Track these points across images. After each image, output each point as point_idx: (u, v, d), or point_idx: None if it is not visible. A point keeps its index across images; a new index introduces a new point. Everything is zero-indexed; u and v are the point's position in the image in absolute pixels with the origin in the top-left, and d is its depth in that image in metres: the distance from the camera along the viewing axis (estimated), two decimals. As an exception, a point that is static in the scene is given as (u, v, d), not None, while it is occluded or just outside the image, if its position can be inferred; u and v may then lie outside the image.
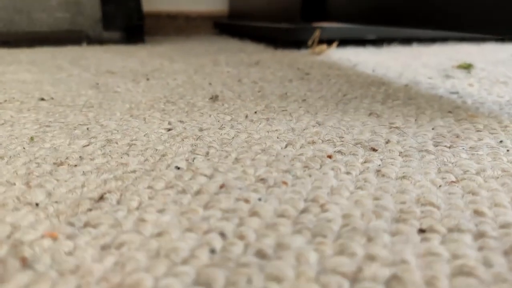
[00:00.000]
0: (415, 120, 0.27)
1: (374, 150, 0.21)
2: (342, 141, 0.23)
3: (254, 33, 0.81)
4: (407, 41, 0.75)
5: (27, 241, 0.13)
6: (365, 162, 0.20)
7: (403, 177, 0.18)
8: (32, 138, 0.22)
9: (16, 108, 0.29)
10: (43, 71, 0.44)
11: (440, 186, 0.17)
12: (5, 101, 0.31)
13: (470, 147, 0.22)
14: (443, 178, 0.18)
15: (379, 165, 0.20)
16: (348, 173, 0.19)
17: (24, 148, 0.21)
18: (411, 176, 0.18)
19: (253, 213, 0.15)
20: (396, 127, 0.25)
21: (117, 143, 0.22)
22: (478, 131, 0.25)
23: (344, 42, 0.72)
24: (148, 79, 0.40)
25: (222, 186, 0.17)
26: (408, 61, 0.54)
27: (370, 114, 0.28)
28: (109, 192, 0.17)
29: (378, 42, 0.74)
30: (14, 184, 0.17)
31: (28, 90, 0.35)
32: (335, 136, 0.24)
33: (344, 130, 0.25)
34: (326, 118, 0.27)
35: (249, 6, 0.94)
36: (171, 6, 1.00)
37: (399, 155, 0.21)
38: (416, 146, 0.22)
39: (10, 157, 0.20)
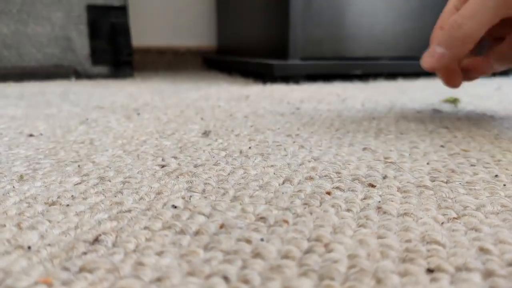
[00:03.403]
0: (409, 154, 0.27)
1: (372, 186, 0.21)
2: (340, 177, 0.23)
3: (242, 68, 0.83)
4: (392, 76, 0.77)
5: (18, 289, 0.12)
6: (364, 198, 0.20)
7: (405, 214, 0.18)
8: (21, 176, 0.22)
9: (4, 144, 0.28)
10: (32, 106, 0.44)
11: (442, 223, 0.17)
12: (-7, 137, 0.30)
13: (467, 182, 0.22)
14: (444, 215, 0.18)
15: (379, 201, 0.19)
16: (349, 210, 0.18)
17: (13, 186, 0.20)
18: (413, 213, 0.18)
19: (256, 255, 0.15)
20: (392, 162, 0.25)
21: (110, 181, 0.22)
22: (472, 165, 0.25)
23: (331, 77, 0.73)
24: (139, 114, 0.40)
25: (222, 226, 0.17)
26: (396, 95, 0.55)
27: (364, 149, 0.28)
28: (104, 233, 0.16)
29: (364, 77, 0.76)
30: (5, 225, 0.16)
31: (17, 125, 0.34)
32: (332, 171, 0.23)
33: (340, 166, 0.25)
34: (321, 153, 0.27)
35: (237, 42, 0.95)
36: (160, 41, 1.02)
37: (397, 191, 0.21)
38: (413, 181, 0.22)
39: (0, 195, 0.19)
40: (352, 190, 0.21)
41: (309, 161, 0.25)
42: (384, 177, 0.23)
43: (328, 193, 0.20)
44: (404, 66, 0.77)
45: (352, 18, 0.75)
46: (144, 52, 1.00)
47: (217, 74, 0.91)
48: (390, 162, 0.25)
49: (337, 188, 0.21)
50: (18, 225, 0.16)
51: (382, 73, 0.76)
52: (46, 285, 0.13)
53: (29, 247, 0.15)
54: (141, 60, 0.99)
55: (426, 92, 0.59)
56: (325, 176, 0.23)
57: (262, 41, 0.81)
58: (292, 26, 0.71)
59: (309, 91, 0.60)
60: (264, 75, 0.71)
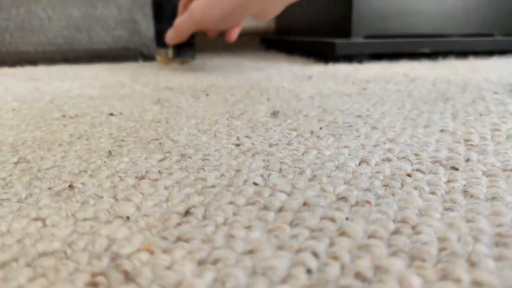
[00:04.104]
0: (491, 137, 0.26)
1: (455, 169, 0.21)
2: (419, 159, 0.22)
3: (302, 47, 0.82)
4: (463, 54, 0.73)
5: (124, 254, 0.14)
6: (448, 181, 0.19)
7: (493, 198, 0.17)
8: (110, 152, 0.23)
9: (88, 122, 0.30)
10: (107, 87, 0.46)
11: (538, 209, 0.16)
12: (77, 115, 0.32)
13: (561, 167, 0.20)
14: (539, 201, 0.17)
15: (464, 185, 0.19)
16: (433, 193, 0.18)
17: (104, 162, 0.22)
18: (502, 197, 0.17)
19: (342, 233, 0.15)
20: (473, 145, 0.24)
21: (191, 158, 0.23)
22: None
23: (398, 55, 0.71)
24: (207, 95, 0.41)
25: (304, 204, 0.17)
26: (468, 75, 0.52)
27: (442, 131, 0.27)
28: (194, 207, 0.17)
29: (433, 55, 0.72)
30: (102, 197, 0.18)
31: (96, 105, 0.36)
32: (410, 153, 0.23)
33: (418, 148, 0.24)
34: (395, 135, 0.26)
35: (296, 21, 0.94)
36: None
37: (483, 174, 0.20)
38: (499, 165, 0.21)
39: (93, 170, 0.21)
40: (434, 173, 0.20)
41: (384, 143, 0.25)
42: (467, 160, 0.22)
43: (409, 175, 0.20)
44: (476, 43, 0.72)
45: (420, -7, 0.71)
46: (203, 34, 1.02)
47: (276, 54, 0.91)
48: (471, 145, 0.24)
49: (418, 170, 0.20)
50: (114, 197, 0.18)
51: (452, 51, 0.72)
52: (148, 252, 0.14)
53: (127, 217, 0.16)
54: (201, 42, 1.01)
55: (501, 71, 0.55)
56: (403, 158, 0.22)
57: (323, 19, 0.79)
58: (355, 3, 0.68)
59: (374, 71, 0.58)
60: (326, 55, 0.70)
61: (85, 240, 0.14)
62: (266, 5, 0.50)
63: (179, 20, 0.54)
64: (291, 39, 0.89)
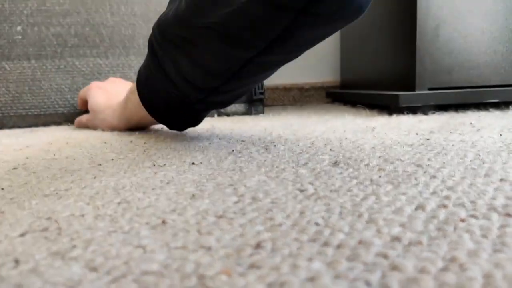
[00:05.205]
0: (555, 187, 0.26)
1: (509, 215, 0.22)
2: (474, 206, 0.23)
3: (366, 100, 0.84)
4: (536, 103, 0.71)
5: (208, 276, 0.17)
6: (501, 227, 0.20)
7: (546, 243, 0.18)
8: (193, 195, 0.27)
9: (174, 170, 0.35)
10: (188, 139, 0.52)
11: None
12: (164, 165, 0.38)
13: None
14: None
15: (518, 230, 0.20)
16: (484, 236, 0.19)
17: (189, 203, 0.26)
18: (555, 243, 0.18)
19: (394, 267, 0.17)
20: (533, 194, 0.25)
21: (261, 201, 0.26)
22: None
23: (464, 106, 0.70)
24: (275, 146, 0.45)
25: (360, 242, 0.19)
26: (541, 124, 0.51)
27: (501, 180, 0.28)
28: (264, 241, 0.20)
29: (501, 105, 0.71)
30: (189, 231, 0.21)
31: (180, 155, 0.42)
32: (466, 201, 0.24)
33: (475, 195, 0.25)
34: (454, 183, 0.28)
35: (361, 75, 0.97)
36: (287, 80, 1.09)
37: (539, 221, 0.21)
38: (558, 213, 0.22)
39: (181, 209, 0.25)
40: (488, 219, 0.21)
41: (442, 190, 0.26)
42: (524, 208, 0.23)
43: (462, 220, 0.21)
44: (552, 92, 0.70)
45: (485, 45, 0.72)
46: (272, 90, 1.09)
47: (341, 107, 0.94)
48: (531, 194, 0.25)
49: (472, 216, 0.22)
50: (199, 231, 0.21)
51: (524, 100, 0.70)
52: (227, 275, 0.17)
53: (209, 248, 0.19)
54: (270, 97, 1.08)
55: None
56: (458, 204, 0.24)
57: (387, 73, 0.82)
58: (419, 56, 0.70)
59: (439, 122, 0.59)
60: (390, 107, 0.72)
61: (177, 264, 0.18)
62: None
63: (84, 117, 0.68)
64: (355, 92, 0.92)
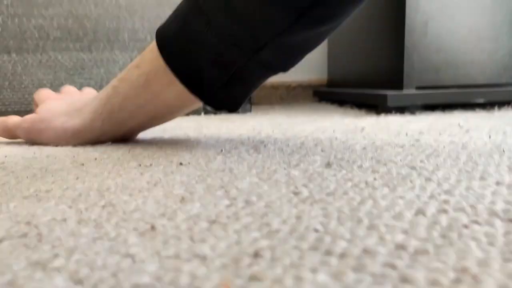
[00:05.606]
0: (552, 191, 0.26)
1: (513, 221, 0.21)
2: (475, 211, 0.23)
3: (354, 99, 0.84)
4: (520, 104, 0.71)
5: (205, 289, 0.16)
6: (506, 234, 0.20)
7: (554, 251, 0.18)
8: (183, 198, 0.26)
9: (161, 171, 0.34)
10: (174, 138, 0.51)
11: None
12: (151, 165, 0.36)
13: None
14: None
15: (523, 237, 0.19)
16: (491, 244, 0.19)
17: (179, 207, 0.25)
18: None
19: (404, 280, 0.16)
20: (532, 198, 0.24)
21: (254, 204, 0.25)
22: None
23: (451, 106, 0.71)
24: (265, 146, 0.44)
25: (364, 251, 0.18)
26: (527, 126, 0.51)
27: (497, 183, 0.28)
28: (262, 249, 0.19)
29: (487, 105, 0.71)
30: (181, 238, 0.20)
31: (166, 155, 0.40)
32: (466, 205, 0.24)
33: (474, 200, 0.24)
34: (451, 187, 0.27)
35: (348, 74, 0.97)
36: (274, 77, 1.08)
37: (543, 228, 0.20)
38: (560, 219, 0.21)
39: (170, 213, 0.23)
40: (491, 225, 0.21)
41: (439, 194, 0.26)
42: (526, 213, 0.22)
43: (465, 226, 0.21)
44: (535, 93, 0.71)
45: (472, 43, 0.72)
46: (259, 88, 1.08)
47: (328, 106, 0.93)
48: (530, 198, 0.24)
49: (474, 222, 0.21)
50: (191, 238, 0.20)
51: (508, 101, 0.71)
52: (226, 288, 0.16)
53: (204, 257, 0.18)
54: (257, 95, 1.06)
55: None
56: (459, 209, 0.23)
57: (375, 72, 0.82)
58: (407, 55, 0.70)
59: (427, 122, 0.59)
60: (378, 106, 0.72)
61: (170, 276, 0.17)
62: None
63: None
64: (342, 91, 0.92)
